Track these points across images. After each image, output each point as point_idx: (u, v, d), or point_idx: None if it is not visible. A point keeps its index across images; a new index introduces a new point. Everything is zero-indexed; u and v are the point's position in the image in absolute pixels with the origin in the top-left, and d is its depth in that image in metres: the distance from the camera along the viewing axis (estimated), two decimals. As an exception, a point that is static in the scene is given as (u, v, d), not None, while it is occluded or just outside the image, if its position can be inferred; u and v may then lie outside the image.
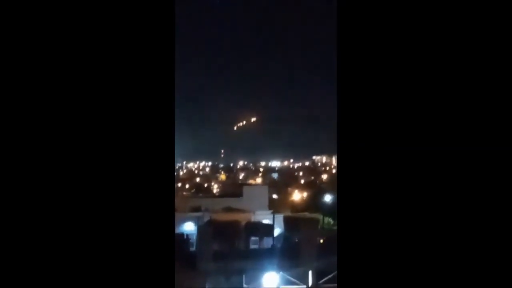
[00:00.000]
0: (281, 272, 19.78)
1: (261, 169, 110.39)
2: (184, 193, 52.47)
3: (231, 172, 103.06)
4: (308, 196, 47.23)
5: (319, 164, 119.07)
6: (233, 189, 43.44)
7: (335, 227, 25.94)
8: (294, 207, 42.83)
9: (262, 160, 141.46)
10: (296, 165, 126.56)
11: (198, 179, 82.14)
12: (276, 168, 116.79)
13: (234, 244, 25.71)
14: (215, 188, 62.60)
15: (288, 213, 35.61)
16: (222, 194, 45.58)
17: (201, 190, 57.97)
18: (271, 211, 34.16)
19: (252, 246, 26.79)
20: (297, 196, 49.19)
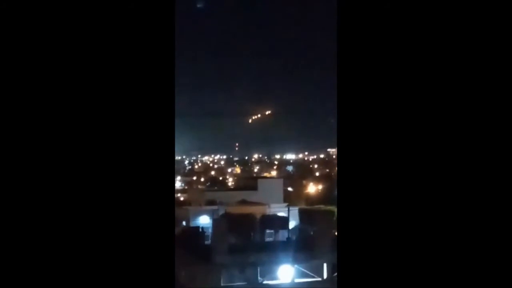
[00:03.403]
0: (296, 265, 19.79)
1: (276, 162, 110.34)
2: (199, 186, 52.68)
3: (246, 165, 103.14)
4: (323, 189, 47.13)
5: (334, 156, 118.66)
6: (248, 182, 43.52)
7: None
8: (309, 199, 42.79)
9: (277, 153, 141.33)
10: (311, 158, 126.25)
11: (213, 172, 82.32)
12: (291, 161, 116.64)
13: (249, 237, 25.75)
14: (230, 181, 62.70)
15: (303, 206, 35.57)
16: (237, 187, 45.66)
17: (216, 183, 58.13)
18: (286, 204, 34.15)
19: (267, 239, 26.80)
20: (312, 188, 49.11)
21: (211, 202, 34.44)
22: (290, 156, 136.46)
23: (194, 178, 64.72)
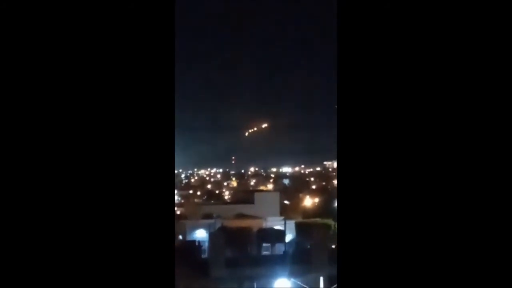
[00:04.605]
0: (292, 279, 19.74)
1: (272, 175, 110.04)
2: (196, 200, 52.49)
3: (242, 178, 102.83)
4: (320, 202, 46.97)
5: (330, 169, 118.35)
6: (245, 195, 43.41)
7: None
8: (306, 213, 42.61)
9: (273, 166, 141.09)
10: (307, 171, 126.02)
11: (209, 186, 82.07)
12: (287, 174, 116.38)
13: (246, 250, 25.67)
14: (227, 195, 62.51)
15: (300, 219, 35.46)
16: (234, 201, 45.53)
17: (213, 197, 57.95)
18: (282, 217, 34.07)
19: (264, 253, 26.74)
20: (309, 201, 48.95)
21: (207, 216, 34.34)
22: (287, 169, 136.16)
23: (191, 191, 64.47)
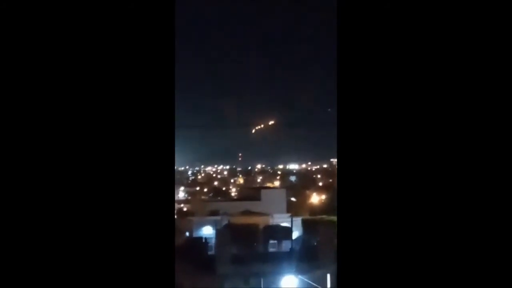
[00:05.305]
0: (299, 276, 19.75)
1: (279, 172, 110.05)
2: (203, 196, 52.64)
3: (249, 175, 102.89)
4: (327, 199, 46.95)
5: (337, 166, 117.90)
6: (251, 192, 43.50)
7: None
8: (313, 209, 42.62)
9: (280, 163, 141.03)
10: (314, 168, 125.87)
11: (216, 183, 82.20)
12: (294, 171, 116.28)
13: (252, 247, 25.71)
14: (233, 192, 62.61)
15: (307, 216, 35.48)
16: (240, 198, 45.60)
17: (219, 194, 58.05)
18: (289, 214, 34.13)
19: (271, 249, 26.76)
20: (316, 198, 48.95)
21: (214, 213, 34.45)
22: (293, 166, 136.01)
23: (197, 188, 64.64)
